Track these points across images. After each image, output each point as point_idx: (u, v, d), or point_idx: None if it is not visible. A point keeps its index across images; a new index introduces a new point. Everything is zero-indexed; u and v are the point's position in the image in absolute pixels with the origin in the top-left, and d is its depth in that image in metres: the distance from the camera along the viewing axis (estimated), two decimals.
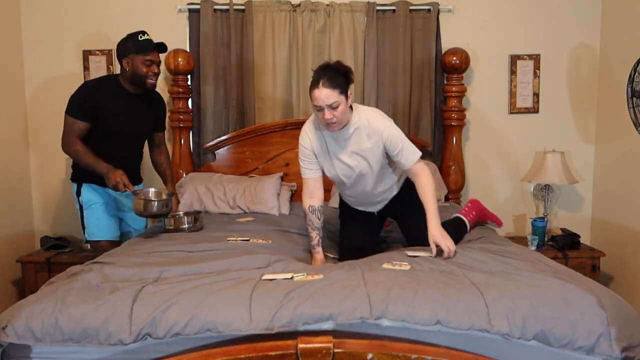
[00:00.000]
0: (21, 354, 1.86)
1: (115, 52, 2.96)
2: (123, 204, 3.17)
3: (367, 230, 2.76)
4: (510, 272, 2.19)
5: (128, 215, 3.20)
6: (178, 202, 3.30)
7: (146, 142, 3.26)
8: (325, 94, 2.27)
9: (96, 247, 3.04)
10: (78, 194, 3.04)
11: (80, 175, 3.02)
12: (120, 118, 2.94)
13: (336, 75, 2.32)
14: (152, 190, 3.00)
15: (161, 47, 2.93)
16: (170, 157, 3.79)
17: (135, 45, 2.85)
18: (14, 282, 3.68)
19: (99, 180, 2.94)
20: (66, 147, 2.89)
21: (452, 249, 2.32)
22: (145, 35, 2.89)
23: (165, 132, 3.85)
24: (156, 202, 2.84)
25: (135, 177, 3.15)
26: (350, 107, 2.45)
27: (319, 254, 2.58)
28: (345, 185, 2.62)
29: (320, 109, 2.31)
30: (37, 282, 3.37)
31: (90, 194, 3.03)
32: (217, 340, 1.85)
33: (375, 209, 2.77)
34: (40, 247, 3.74)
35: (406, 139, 2.47)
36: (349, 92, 2.35)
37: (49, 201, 3.93)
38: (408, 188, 2.62)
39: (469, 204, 2.99)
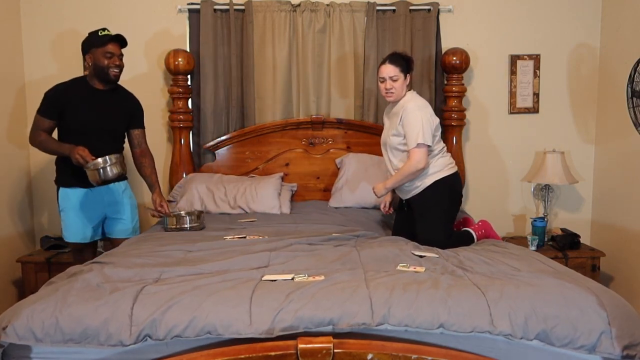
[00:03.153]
0: (21, 354, 1.86)
1: (81, 52, 3.06)
2: (100, 201, 3.11)
3: (401, 218, 3.12)
4: (510, 272, 2.20)
5: (110, 212, 3.15)
6: (164, 201, 3.25)
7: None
8: (390, 69, 2.91)
9: (72, 248, 3.21)
10: (57, 197, 3.11)
11: (58, 178, 3.11)
12: (88, 115, 2.98)
13: (400, 59, 2.93)
14: (106, 157, 2.88)
15: (119, 39, 3.00)
16: (171, 157, 3.81)
17: (95, 40, 2.97)
18: (14, 282, 3.68)
19: (75, 182, 3.00)
20: (32, 139, 3.01)
21: (376, 192, 3.01)
22: (106, 31, 2.99)
23: (165, 132, 3.89)
24: (108, 167, 2.84)
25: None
26: (409, 93, 2.98)
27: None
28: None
29: (383, 81, 2.94)
30: (37, 282, 3.38)
31: (64, 198, 3.07)
32: (217, 340, 1.85)
33: (403, 195, 3.04)
34: (40, 247, 3.74)
35: (423, 126, 2.81)
36: (407, 74, 2.94)
37: (49, 201, 3.92)
38: (428, 194, 2.90)
39: (480, 223, 3.09)
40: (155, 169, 3.32)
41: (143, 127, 3.28)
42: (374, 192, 3.02)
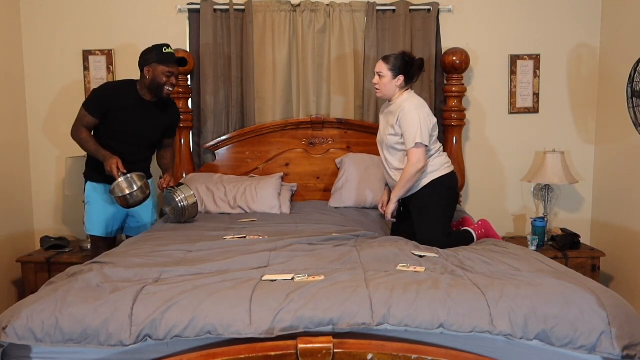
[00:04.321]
0: (21, 354, 1.86)
1: (139, 59, 3.07)
2: None
3: (398, 217, 3.09)
4: (511, 272, 2.20)
5: (135, 210, 3.23)
6: (172, 181, 3.25)
7: None
8: (379, 65, 2.95)
9: (92, 240, 3.28)
10: (85, 190, 3.22)
11: (88, 173, 3.21)
12: (130, 122, 3.07)
13: (399, 59, 2.91)
14: (129, 176, 2.99)
15: (182, 62, 3.08)
16: None
17: (159, 56, 3.00)
18: (14, 282, 3.68)
19: (103, 179, 3.07)
20: (74, 134, 3.07)
21: (388, 212, 3.00)
22: (169, 48, 3.06)
23: None
24: (134, 192, 2.96)
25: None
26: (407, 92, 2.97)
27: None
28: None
29: (374, 75, 2.97)
30: (37, 282, 3.38)
31: (91, 191, 3.19)
32: (217, 340, 1.85)
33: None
34: (40, 247, 3.74)
35: (420, 125, 2.81)
36: (400, 74, 2.90)
37: (49, 201, 3.93)
38: (425, 193, 2.92)
39: (480, 222, 3.08)
40: (174, 162, 3.42)
41: (175, 136, 3.41)
42: (387, 213, 3.01)
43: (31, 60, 3.84)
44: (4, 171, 3.60)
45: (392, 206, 2.98)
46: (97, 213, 3.18)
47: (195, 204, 3.18)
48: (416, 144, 2.81)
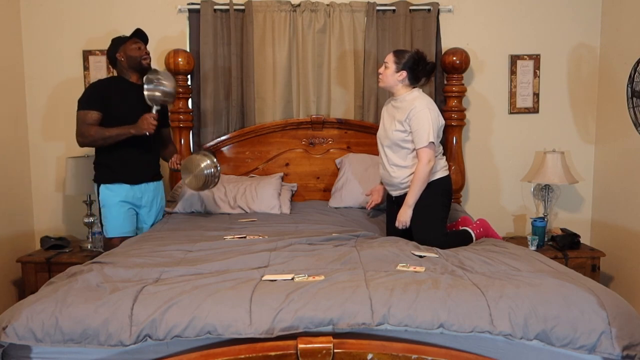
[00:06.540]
0: (21, 354, 1.87)
1: (108, 59, 3.26)
2: (139, 199, 3.24)
3: (392, 216, 3.04)
4: (511, 272, 2.20)
5: (142, 210, 3.27)
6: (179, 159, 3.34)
7: None
8: (389, 56, 2.97)
9: (109, 244, 3.16)
10: (98, 194, 3.18)
11: (99, 176, 3.19)
12: (129, 106, 3.09)
13: (408, 56, 2.92)
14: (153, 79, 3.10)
15: (139, 33, 3.20)
16: None
17: (120, 40, 3.16)
18: (14, 282, 3.68)
19: (115, 179, 3.13)
20: (82, 138, 3.04)
21: (402, 222, 2.88)
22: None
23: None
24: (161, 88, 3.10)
25: (154, 174, 3.31)
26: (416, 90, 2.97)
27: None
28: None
29: (383, 64, 3.00)
30: (37, 282, 3.37)
31: (106, 194, 3.15)
32: (217, 340, 1.85)
33: (394, 192, 3.02)
34: (40, 247, 3.74)
35: (430, 127, 2.81)
36: (403, 70, 2.90)
37: (49, 201, 3.92)
38: (423, 194, 2.88)
39: (478, 221, 3.07)
40: (177, 150, 3.50)
41: (169, 126, 3.49)
42: (402, 221, 2.88)
43: (31, 60, 3.84)
44: (4, 171, 3.60)
45: (410, 212, 2.87)
46: (116, 214, 3.15)
47: (218, 174, 3.17)
48: (429, 143, 2.81)
